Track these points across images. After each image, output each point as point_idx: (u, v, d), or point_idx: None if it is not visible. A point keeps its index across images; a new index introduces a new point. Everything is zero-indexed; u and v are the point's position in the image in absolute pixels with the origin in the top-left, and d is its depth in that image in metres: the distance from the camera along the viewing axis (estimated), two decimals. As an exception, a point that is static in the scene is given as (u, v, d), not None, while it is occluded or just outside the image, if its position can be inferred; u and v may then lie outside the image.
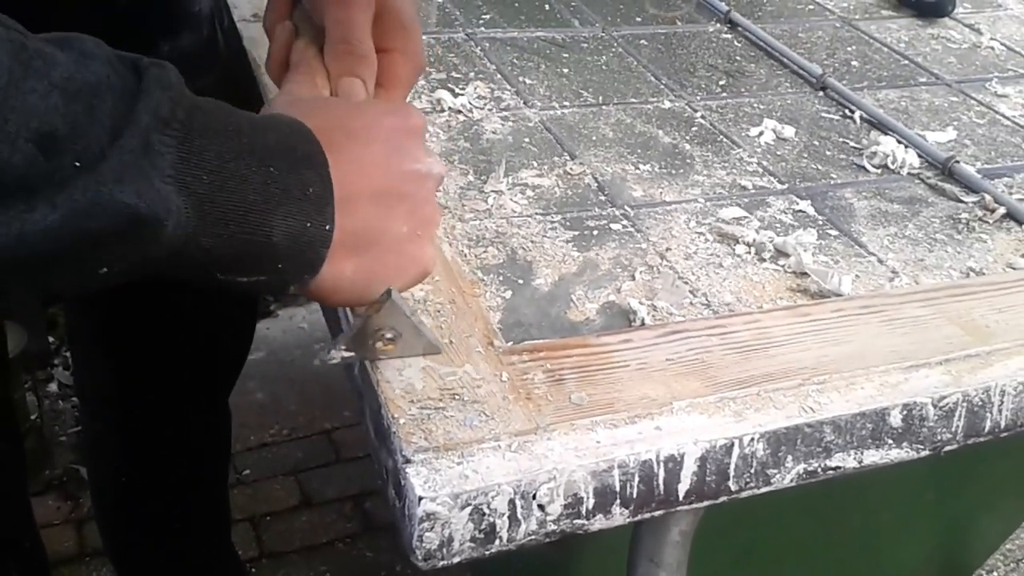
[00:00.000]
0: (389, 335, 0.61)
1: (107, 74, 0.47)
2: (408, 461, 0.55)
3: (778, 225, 0.83)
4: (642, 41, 1.17)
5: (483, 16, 1.19)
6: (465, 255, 0.75)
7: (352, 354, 0.61)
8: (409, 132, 0.61)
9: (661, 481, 0.58)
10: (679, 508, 0.60)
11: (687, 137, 0.97)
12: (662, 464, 0.58)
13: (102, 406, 1.32)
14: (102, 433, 1.34)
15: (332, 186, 0.55)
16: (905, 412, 0.63)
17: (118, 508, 1.38)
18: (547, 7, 1.24)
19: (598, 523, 0.57)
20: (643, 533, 0.66)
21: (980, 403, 0.65)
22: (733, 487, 0.60)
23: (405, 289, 0.61)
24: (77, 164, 0.45)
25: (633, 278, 0.75)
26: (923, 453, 0.65)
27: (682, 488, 0.59)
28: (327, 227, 0.54)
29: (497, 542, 0.55)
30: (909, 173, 0.94)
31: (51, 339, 2.02)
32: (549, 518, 0.56)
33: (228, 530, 1.48)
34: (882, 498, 0.89)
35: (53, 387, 1.98)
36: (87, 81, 0.46)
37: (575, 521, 0.57)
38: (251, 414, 1.96)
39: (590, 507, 0.57)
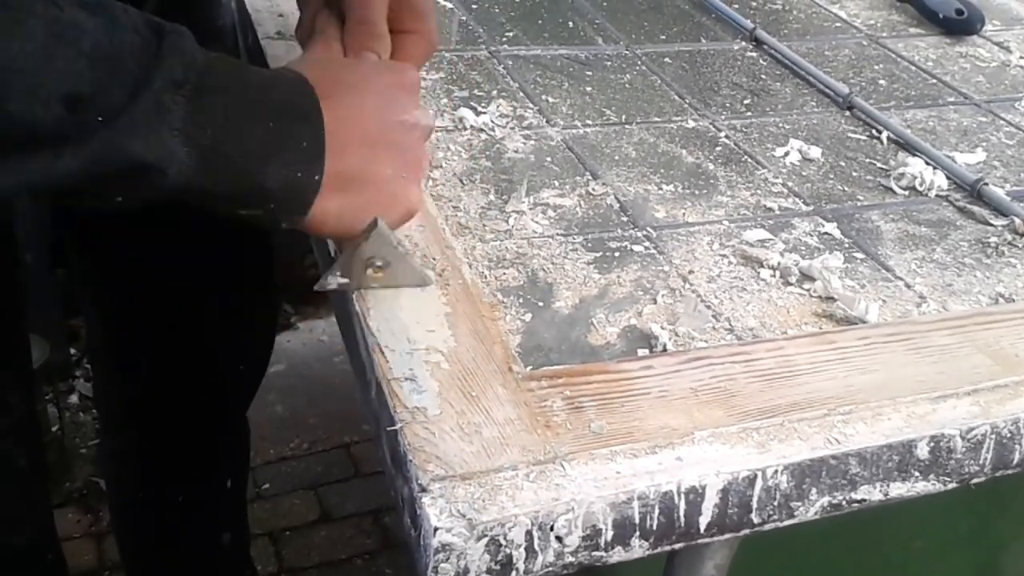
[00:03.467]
0: (379, 263, 0.66)
1: (131, 40, 0.53)
2: (424, 490, 0.54)
3: (803, 248, 0.82)
4: (666, 59, 1.16)
5: (506, 34, 1.18)
6: (485, 276, 0.74)
7: (347, 280, 0.67)
8: (403, 87, 0.68)
9: (682, 513, 0.57)
10: (701, 540, 0.58)
11: (711, 157, 0.96)
12: (683, 496, 0.56)
13: (121, 421, 1.32)
14: (121, 447, 1.35)
15: (324, 141, 0.61)
16: (932, 444, 0.61)
17: (137, 522, 1.38)
18: (571, 25, 1.23)
19: (617, 555, 0.56)
20: (676, 567, 0.65)
21: (1009, 435, 0.64)
22: (756, 520, 0.59)
23: (394, 227, 0.67)
24: (99, 119, 0.52)
25: (655, 301, 0.73)
26: (950, 486, 0.63)
27: (703, 521, 0.57)
28: (316, 177, 0.61)
29: (513, 574, 0.54)
30: (937, 195, 0.92)
31: (72, 350, 2.03)
32: (567, 550, 0.55)
33: (247, 545, 1.48)
34: (916, 528, 0.87)
35: (74, 399, 1.99)
36: (113, 49, 0.53)
37: (593, 553, 0.56)
38: (270, 427, 1.96)
39: (609, 539, 0.56)
